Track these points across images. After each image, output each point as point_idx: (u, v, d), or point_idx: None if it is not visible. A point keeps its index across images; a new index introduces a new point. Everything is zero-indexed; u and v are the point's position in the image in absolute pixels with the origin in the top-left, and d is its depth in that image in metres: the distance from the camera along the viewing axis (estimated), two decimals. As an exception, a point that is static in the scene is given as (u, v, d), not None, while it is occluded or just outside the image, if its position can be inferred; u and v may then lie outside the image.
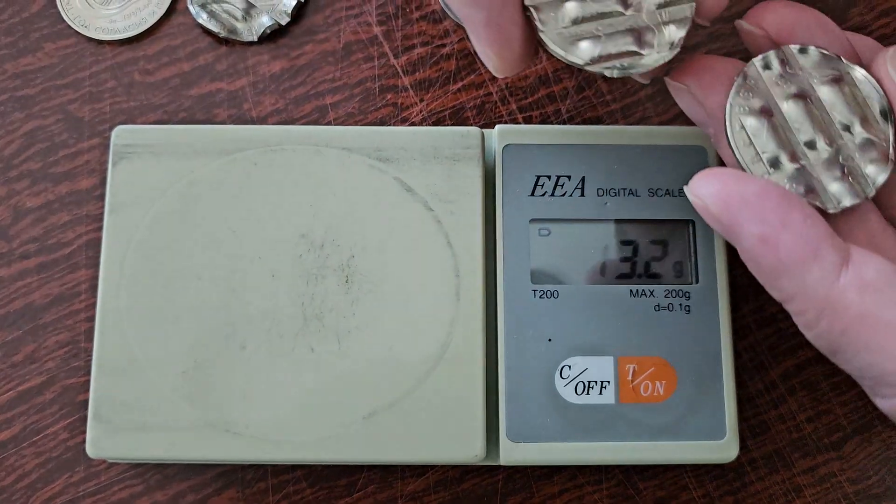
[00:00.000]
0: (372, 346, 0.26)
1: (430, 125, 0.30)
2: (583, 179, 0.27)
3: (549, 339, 0.26)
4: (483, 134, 0.27)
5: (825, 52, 0.22)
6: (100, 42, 0.30)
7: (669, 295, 0.27)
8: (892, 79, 0.22)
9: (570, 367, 0.26)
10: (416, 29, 0.30)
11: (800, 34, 0.23)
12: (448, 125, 0.30)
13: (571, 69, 0.30)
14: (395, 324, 0.26)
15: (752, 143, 0.22)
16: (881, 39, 0.31)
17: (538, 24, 0.22)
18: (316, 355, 0.26)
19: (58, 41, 0.30)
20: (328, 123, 0.30)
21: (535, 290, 0.27)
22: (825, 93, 0.22)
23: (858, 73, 0.22)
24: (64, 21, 0.30)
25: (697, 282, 0.27)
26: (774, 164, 0.22)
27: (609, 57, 0.22)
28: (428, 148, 0.27)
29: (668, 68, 0.23)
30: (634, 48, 0.22)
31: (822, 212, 0.22)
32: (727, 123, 0.22)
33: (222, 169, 0.27)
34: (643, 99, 0.30)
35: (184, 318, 0.26)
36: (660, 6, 0.22)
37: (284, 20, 0.30)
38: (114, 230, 0.27)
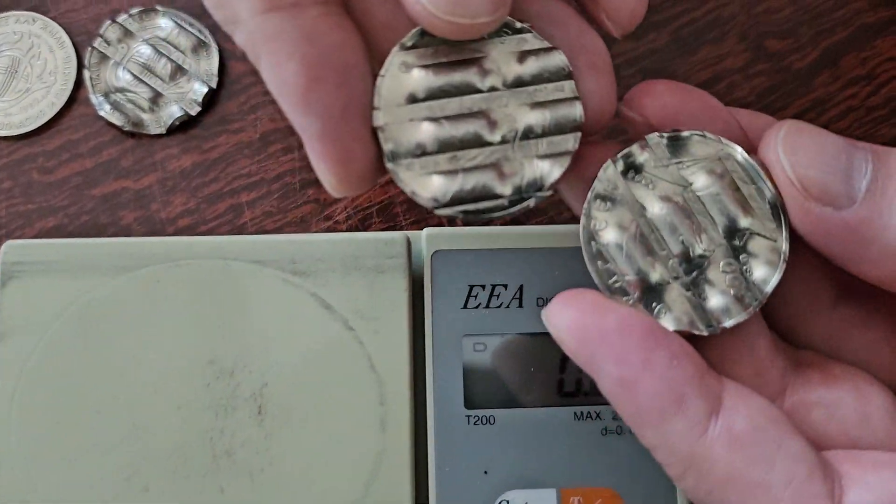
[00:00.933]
0: (288, 485, 0.24)
1: (356, 223, 0.27)
2: (521, 288, 0.25)
3: (485, 472, 0.24)
4: (409, 240, 0.25)
5: (701, 134, 0.19)
6: (-6, 138, 0.28)
7: (618, 417, 0.24)
8: (782, 164, 0.18)
9: (508, 501, 0.24)
10: (339, 115, 0.28)
11: (684, 122, 0.19)
12: (375, 223, 0.27)
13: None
14: (313, 459, 0.24)
15: (611, 262, 0.19)
16: (847, 112, 0.28)
17: (385, 150, 0.18)
18: (226, 497, 0.23)
19: (-51, 137, 0.28)
20: (244, 224, 0.27)
21: (468, 416, 0.24)
22: (702, 185, 0.19)
23: (740, 156, 0.19)
24: (-45, 115, 0.28)
25: (649, 397, 0.24)
26: (641, 284, 0.18)
27: (462, 199, 0.18)
28: (348, 258, 0.25)
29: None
30: (495, 188, 0.18)
31: (699, 338, 0.18)
32: (581, 240, 0.19)
33: (122, 288, 0.24)
34: (589, 187, 0.27)
35: (81, 458, 0.24)
36: (538, 135, 0.18)
37: (195, 110, 0.27)
38: (3, 359, 0.24)
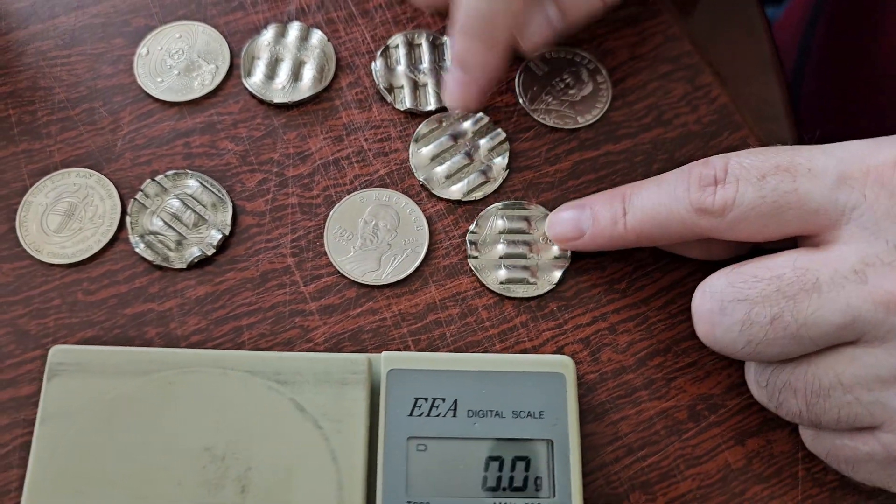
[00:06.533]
0: (261, 551, 0.29)
1: (331, 346, 0.34)
2: (455, 402, 0.31)
3: (419, 548, 0.30)
4: (370, 360, 0.32)
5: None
6: (50, 265, 0.35)
7: (527, 509, 0.30)
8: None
9: (436, 573, 0.29)
10: (324, 260, 0.35)
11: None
12: (347, 346, 0.34)
13: (457, 297, 0.35)
14: (282, 531, 0.30)
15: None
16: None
17: (428, 187, 0.37)
18: (211, 558, 0.29)
19: (14, 262, 0.35)
20: (242, 342, 0.34)
21: (409, 503, 0.30)
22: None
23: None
24: (21, 245, 0.35)
25: (555, 496, 0.30)
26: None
27: (471, 191, 0.37)
28: (320, 373, 0.31)
29: None
30: (483, 179, 0.37)
31: None
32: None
33: (142, 387, 0.31)
34: (518, 325, 0.34)
35: (97, 521, 0.30)
36: (489, 150, 0.37)
37: (210, 251, 0.35)
38: (43, 439, 0.30)
